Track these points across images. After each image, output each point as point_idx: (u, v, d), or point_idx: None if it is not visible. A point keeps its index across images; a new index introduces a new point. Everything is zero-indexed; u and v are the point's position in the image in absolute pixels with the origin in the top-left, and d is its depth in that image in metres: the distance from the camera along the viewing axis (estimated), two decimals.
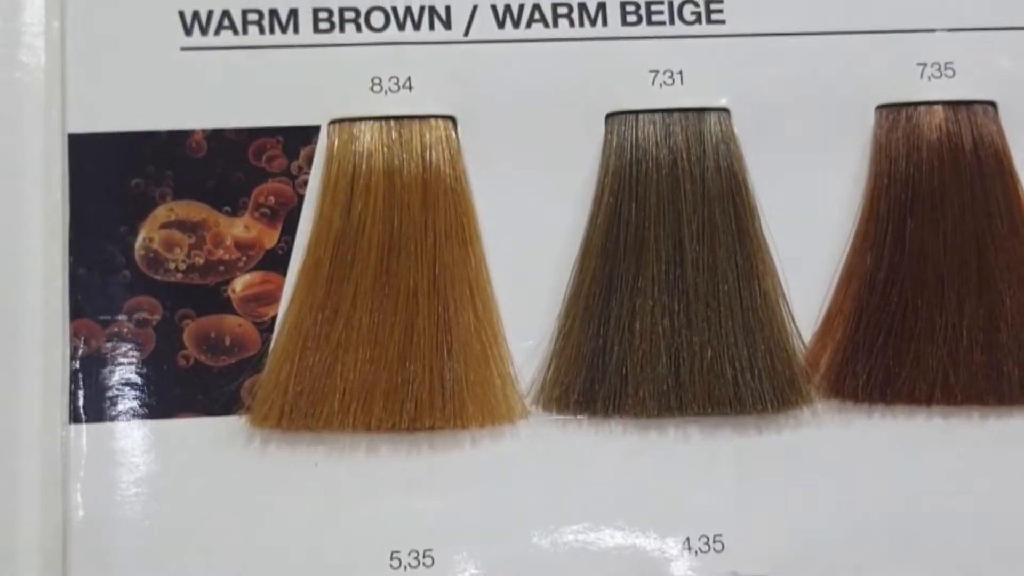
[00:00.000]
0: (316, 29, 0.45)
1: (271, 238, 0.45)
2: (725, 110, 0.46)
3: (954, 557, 0.45)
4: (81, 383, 0.44)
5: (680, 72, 0.46)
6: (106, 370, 0.44)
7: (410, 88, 0.45)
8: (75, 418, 0.43)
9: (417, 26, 0.46)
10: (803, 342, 0.45)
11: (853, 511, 0.45)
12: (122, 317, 0.44)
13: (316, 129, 0.45)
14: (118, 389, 0.44)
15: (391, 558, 0.43)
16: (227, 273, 0.44)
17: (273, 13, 0.45)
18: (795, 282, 0.45)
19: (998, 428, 0.45)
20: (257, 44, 0.45)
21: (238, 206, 0.44)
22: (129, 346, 0.44)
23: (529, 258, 0.45)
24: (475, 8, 0.46)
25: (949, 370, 0.44)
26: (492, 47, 0.46)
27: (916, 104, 0.46)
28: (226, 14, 0.45)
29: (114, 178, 0.44)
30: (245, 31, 0.45)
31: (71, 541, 0.43)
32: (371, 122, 0.45)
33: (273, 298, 0.44)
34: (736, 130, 0.46)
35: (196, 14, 0.45)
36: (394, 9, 0.46)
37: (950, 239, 0.45)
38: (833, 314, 0.45)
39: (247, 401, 0.43)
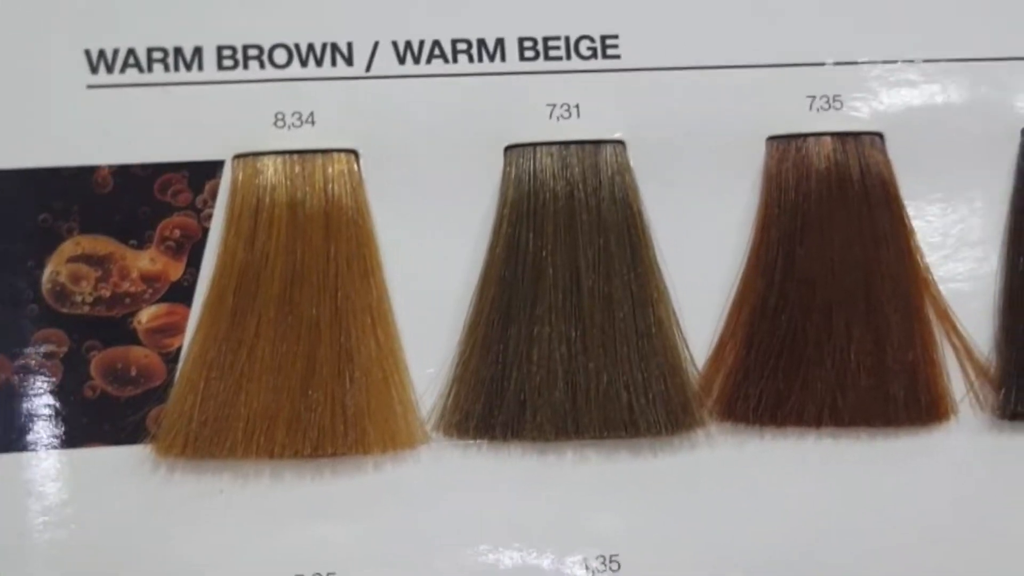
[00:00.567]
0: (220, 66, 0.46)
1: (176, 270, 0.46)
2: (620, 142, 0.47)
3: (844, 572, 0.46)
4: None
5: (577, 105, 0.47)
6: (15, 402, 0.45)
7: (313, 123, 0.46)
8: None
9: (319, 62, 0.47)
10: (696, 367, 0.47)
11: (746, 530, 0.46)
12: (30, 350, 0.45)
13: (221, 164, 0.46)
14: (27, 420, 0.45)
15: None
16: (133, 305, 0.45)
17: (178, 51, 0.46)
18: (689, 309, 0.47)
19: (885, 448, 0.47)
20: (162, 81, 0.46)
21: (144, 239, 0.45)
22: (37, 378, 0.45)
23: (430, 287, 0.46)
24: (376, 44, 0.47)
25: (837, 393, 0.46)
26: (393, 82, 0.47)
27: (805, 135, 0.48)
28: (131, 52, 0.46)
29: (22, 213, 0.45)
30: (150, 69, 0.46)
31: None
32: (274, 156, 0.46)
33: (178, 329, 0.45)
34: (631, 161, 0.47)
35: (102, 52, 0.46)
36: (297, 46, 0.47)
37: (838, 266, 0.47)
38: (725, 340, 0.47)
39: (153, 430, 0.45)
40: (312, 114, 0.47)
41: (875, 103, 0.48)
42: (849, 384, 0.46)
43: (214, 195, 0.46)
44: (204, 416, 0.44)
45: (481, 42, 0.47)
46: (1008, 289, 0.48)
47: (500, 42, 0.47)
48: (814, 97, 0.48)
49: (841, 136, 0.48)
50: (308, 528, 0.45)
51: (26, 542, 0.44)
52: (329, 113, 0.47)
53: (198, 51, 0.46)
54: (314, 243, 0.45)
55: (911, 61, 0.48)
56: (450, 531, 0.45)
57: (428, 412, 0.46)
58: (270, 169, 0.46)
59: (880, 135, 0.48)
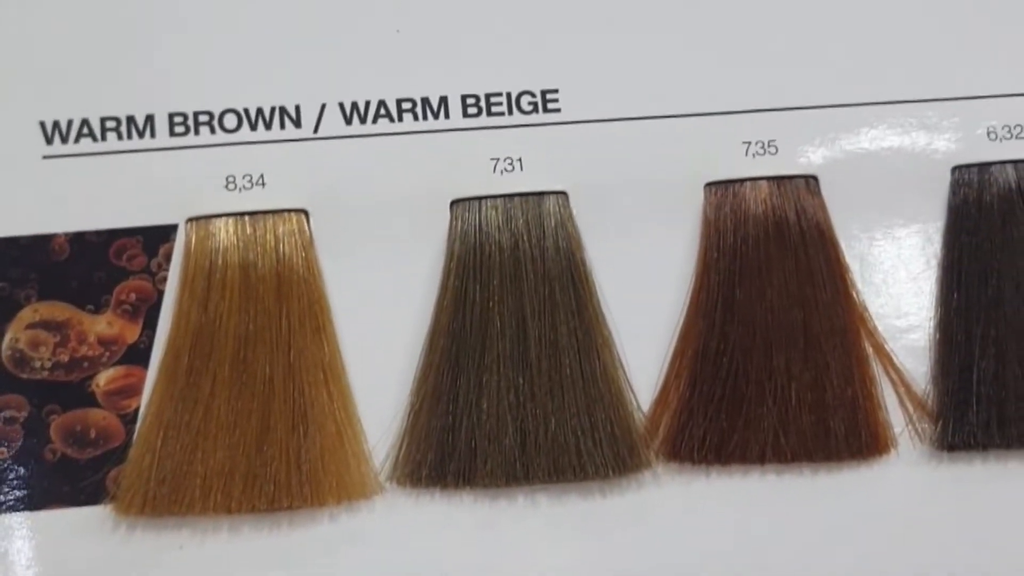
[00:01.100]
0: (172, 133, 0.48)
1: (133, 333, 0.47)
2: (563, 193, 0.49)
3: None
4: None
5: (520, 159, 0.49)
6: None
7: (263, 184, 0.48)
8: None
9: (268, 126, 0.48)
10: (642, 410, 0.48)
11: (694, 566, 0.47)
12: None
13: (174, 227, 0.47)
14: None
15: None
16: (91, 368, 0.47)
17: (130, 119, 0.48)
18: (633, 353, 0.48)
19: (827, 482, 0.48)
20: (115, 150, 0.48)
21: (101, 304, 0.47)
22: None
23: (381, 341, 0.48)
24: (324, 107, 0.49)
25: (779, 430, 0.47)
26: (341, 143, 0.48)
27: (742, 180, 0.49)
28: (85, 122, 0.48)
29: None
30: (104, 137, 0.48)
31: None
32: (226, 218, 0.48)
33: (136, 391, 0.47)
34: (574, 211, 0.49)
35: (56, 124, 0.48)
36: (246, 111, 0.48)
37: (777, 306, 0.48)
38: (669, 382, 0.48)
39: (112, 490, 0.46)
40: (262, 176, 0.48)
41: (809, 147, 0.50)
42: (791, 421, 0.47)
43: (168, 258, 0.47)
44: (162, 474, 0.45)
45: (425, 100, 0.49)
46: (943, 323, 0.49)
47: (444, 100, 0.49)
48: (750, 143, 0.49)
49: (777, 180, 0.49)
50: None
51: None
52: (279, 174, 0.48)
53: (150, 119, 0.48)
54: (266, 302, 0.47)
55: (843, 105, 0.50)
56: None
57: (381, 463, 0.47)
58: (222, 231, 0.47)
59: (815, 178, 0.49)
